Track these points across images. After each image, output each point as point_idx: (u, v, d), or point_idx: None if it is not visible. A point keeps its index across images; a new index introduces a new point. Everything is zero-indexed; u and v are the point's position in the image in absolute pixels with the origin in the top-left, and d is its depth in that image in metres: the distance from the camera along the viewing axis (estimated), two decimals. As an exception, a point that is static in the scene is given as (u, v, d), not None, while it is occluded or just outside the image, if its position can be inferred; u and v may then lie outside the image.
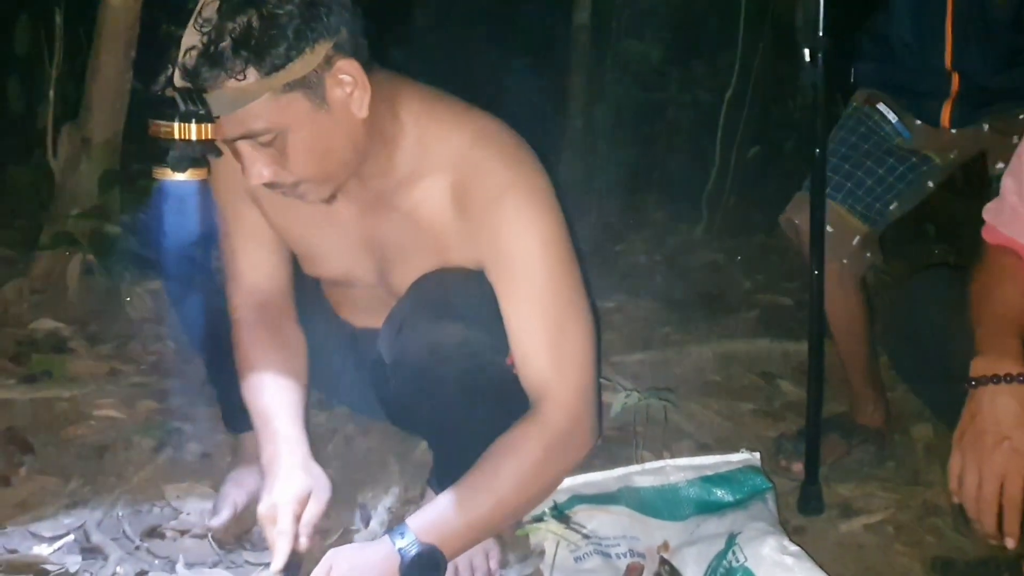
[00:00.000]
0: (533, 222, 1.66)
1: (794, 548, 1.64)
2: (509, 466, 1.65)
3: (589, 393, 1.72)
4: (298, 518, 1.58)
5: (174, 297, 2.06)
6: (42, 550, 1.81)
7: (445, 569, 1.61)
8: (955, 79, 2.09)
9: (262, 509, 1.60)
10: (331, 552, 1.59)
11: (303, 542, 1.58)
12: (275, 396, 1.77)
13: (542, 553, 1.84)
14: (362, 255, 1.80)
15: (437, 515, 1.64)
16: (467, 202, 1.65)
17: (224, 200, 1.83)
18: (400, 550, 1.57)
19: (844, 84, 2.29)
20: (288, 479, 1.62)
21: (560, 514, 1.72)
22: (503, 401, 1.70)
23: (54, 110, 3.05)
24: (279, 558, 1.54)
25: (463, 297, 1.67)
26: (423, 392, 1.70)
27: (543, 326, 1.67)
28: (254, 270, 1.85)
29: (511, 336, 1.67)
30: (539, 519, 1.66)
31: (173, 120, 1.44)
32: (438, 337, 1.65)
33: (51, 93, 3.07)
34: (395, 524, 1.71)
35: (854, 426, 2.32)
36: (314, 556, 1.60)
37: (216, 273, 1.90)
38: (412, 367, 1.68)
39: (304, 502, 1.61)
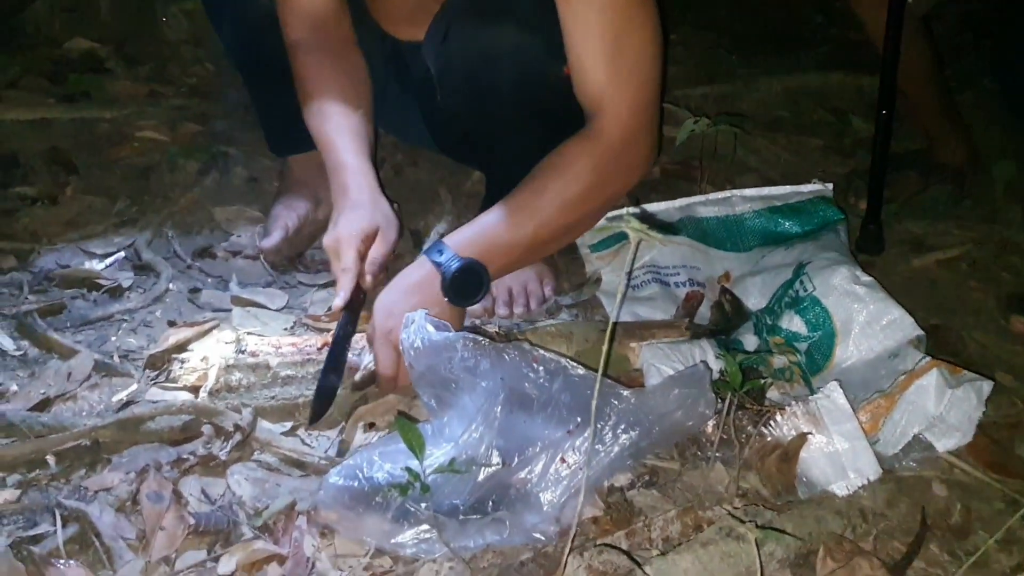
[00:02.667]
0: None
1: (867, 278, 1.57)
2: (556, 186, 1.54)
3: (649, 110, 1.57)
4: (363, 255, 1.51)
5: (214, 13, 1.92)
6: (94, 265, 1.78)
7: (488, 287, 1.53)
8: None
9: (327, 241, 1.52)
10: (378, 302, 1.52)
11: (368, 280, 1.51)
12: (341, 124, 1.65)
13: (598, 281, 1.80)
14: None
15: (477, 232, 1.54)
16: None
17: None
18: (440, 265, 1.49)
19: None
20: (354, 213, 1.54)
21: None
22: (560, 117, 1.57)
23: None
24: (342, 295, 1.48)
25: (515, -4, 1.50)
26: (472, 107, 1.58)
27: (602, 32, 1.49)
28: None
29: (567, 41, 1.51)
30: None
31: None
32: (488, 41, 1.50)
33: None
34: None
35: (932, 164, 2.20)
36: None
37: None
38: (460, 78, 1.55)
39: (370, 239, 1.53)
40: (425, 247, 1.62)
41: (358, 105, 1.69)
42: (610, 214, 1.73)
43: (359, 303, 1.53)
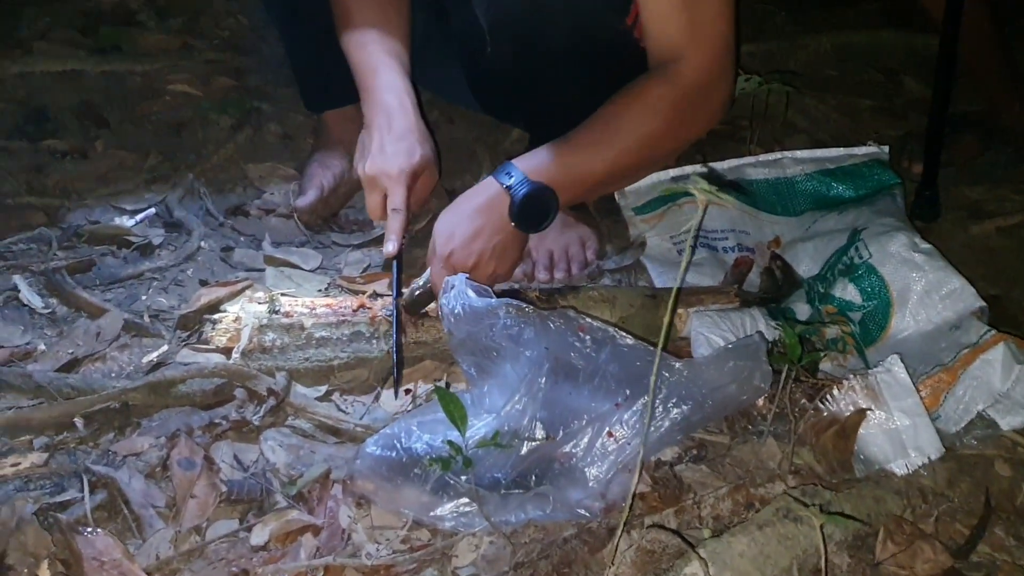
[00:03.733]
0: None
1: (926, 246, 1.49)
2: (635, 119, 1.45)
3: (728, 57, 1.50)
4: (411, 192, 1.43)
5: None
6: (124, 222, 1.74)
7: (555, 217, 1.44)
8: None
9: (370, 170, 1.42)
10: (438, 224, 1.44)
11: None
12: (381, 47, 1.54)
13: (642, 245, 1.74)
14: None
15: (550, 157, 1.44)
16: None
17: None
18: (509, 188, 1.40)
19: None
20: (403, 143, 1.43)
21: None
22: (615, 73, 1.49)
23: None
24: (393, 239, 1.40)
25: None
26: (524, 60, 1.50)
27: None
28: None
29: None
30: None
31: None
32: None
33: None
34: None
35: (992, 127, 2.10)
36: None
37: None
38: (513, 28, 1.48)
39: (417, 177, 1.44)
40: None
41: (397, 33, 1.60)
42: (672, 173, 1.66)
43: (402, 250, 1.46)
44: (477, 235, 1.40)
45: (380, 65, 1.52)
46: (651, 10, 1.45)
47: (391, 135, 1.44)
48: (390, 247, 1.41)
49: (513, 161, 1.44)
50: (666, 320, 0.85)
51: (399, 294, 1.41)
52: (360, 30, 1.57)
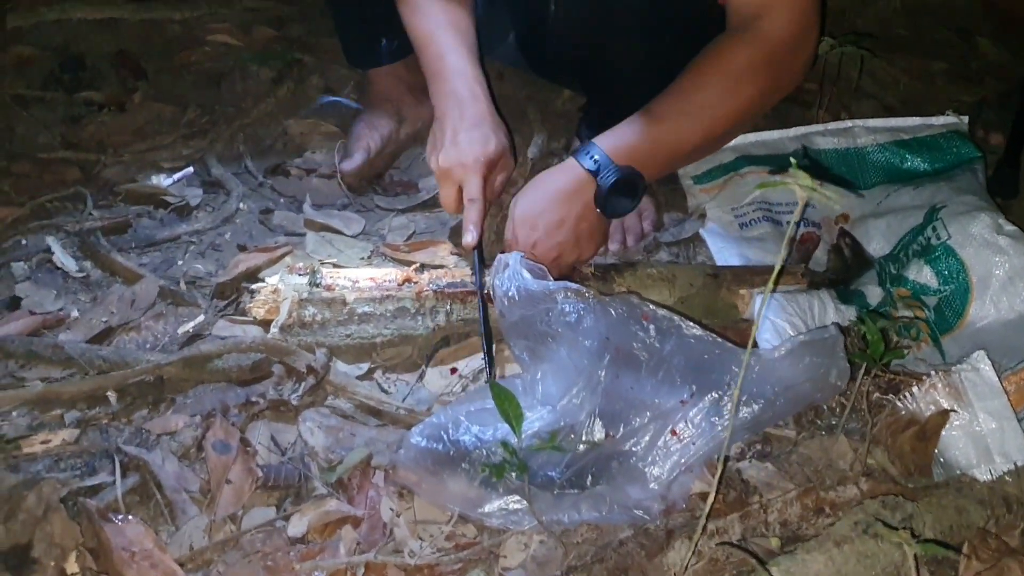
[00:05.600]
0: None
1: (1011, 228, 1.39)
2: (723, 87, 1.36)
3: (815, 8, 1.40)
4: (487, 182, 1.36)
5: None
6: (161, 181, 1.67)
7: (643, 197, 1.38)
8: None
9: (445, 162, 1.36)
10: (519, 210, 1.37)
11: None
12: (442, 18, 1.46)
13: (702, 217, 1.64)
14: None
15: (636, 136, 1.36)
16: None
17: None
18: (597, 174, 1.33)
19: None
20: (477, 132, 1.37)
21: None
22: (694, 31, 1.40)
23: None
24: (472, 231, 1.33)
25: None
26: (595, 19, 1.41)
27: None
28: None
29: None
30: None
31: None
32: None
33: None
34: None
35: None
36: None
37: None
38: None
39: (493, 166, 1.37)
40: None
41: (462, 5, 1.51)
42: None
43: (481, 240, 1.38)
44: (561, 224, 1.33)
45: (446, 47, 1.43)
46: None
47: (463, 124, 1.37)
48: (469, 237, 1.33)
49: (595, 141, 1.36)
50: (750, 342, 0.77)
51: (482, 285, 1.33)
52: None
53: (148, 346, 1.31)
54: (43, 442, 1.13)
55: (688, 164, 1.60)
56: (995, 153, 1.76)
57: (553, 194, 1.35)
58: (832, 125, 1.71)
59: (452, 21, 1.46)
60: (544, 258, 1.31)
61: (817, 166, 1.67)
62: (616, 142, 1.36)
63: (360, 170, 1.70)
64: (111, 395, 1.21)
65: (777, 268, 0.75)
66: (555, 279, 1.21)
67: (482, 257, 1.36)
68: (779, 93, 1.47)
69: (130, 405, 1.21)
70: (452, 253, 1.49)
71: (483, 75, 1.44)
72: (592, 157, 1.34)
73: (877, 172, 1.67)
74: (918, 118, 1.71)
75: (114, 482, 1.08)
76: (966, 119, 1.69)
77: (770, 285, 0.76)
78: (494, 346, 1.30)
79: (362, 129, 1.75)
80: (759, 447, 1.18)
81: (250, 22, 2.16)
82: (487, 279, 1.31)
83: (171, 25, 2.14)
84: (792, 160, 0.73)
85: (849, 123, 1.71)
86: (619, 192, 1.35)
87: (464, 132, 1.36)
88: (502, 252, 1.33)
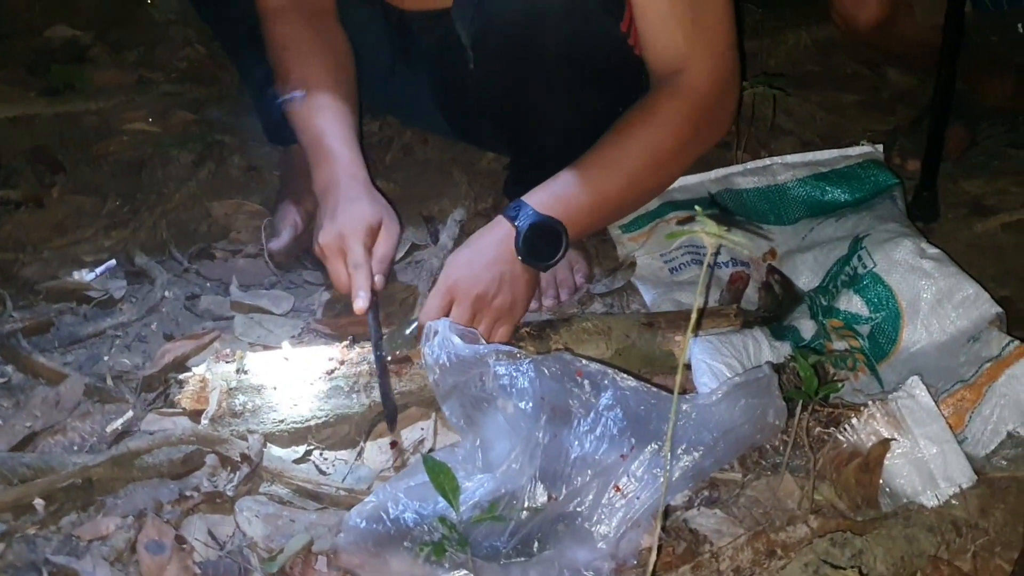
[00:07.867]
0: None
1: (933, 251, 1.41)
2: (647, 139, 1.43)
3: (734, 62, 1.47)
4: (369, 250, 1.38)
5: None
6: (83, 275, 1.63)
7: (567, 248, 1.40)
8: None
9: (325, 239, 1.38)
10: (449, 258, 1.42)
11: (378, 280, 1.37)
12: (323, 107, 1.51)
13: (632, 266, 1.64)
14: None
15: (559, 189, 1.41)
16: None
17: None
18: (515, 220, 1.37)
19: None
20: (353, 206, 1.40)
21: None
22: (614, 86, 1.45)
23: None
24: (361, 295, 1.33)
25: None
26: (514, 72, 1.43)
27: None
28: None
29: (636, 5, 1.40)
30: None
31: None
32: None
33: None
34: (466, 239, 1.49)
35: (978, 108, 2.01)
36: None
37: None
38: (502, 39, 1.41)
39: (374, 233, 1.40)
40: (455, 241, 1.54)
41: (341, 87, 1.55)
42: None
43: (375, 304, 1.38)
44: (486, 266, 1.36)
45: (322, 126, 1.49)
46: (650, 19, 1.40)
47: (342, 202, 1.41)
48: (360, 303, 1.33)
49: (523, 198, 1.40)
50: (676, 389, 0.76)
51: (379, 348, 1.32)
52: (298, 77, 1.53)
53: (75, 448, 1.27)
54: (-35, 560, 1.08)
55: (620, 218, 1.63)
56: (912, 179, 1.79)
57: (481, 243, 1.39)
58: (751, 164, 1.73)
59: (333, 108, 1.51)
60: (464, 295, 1.33)
61: (741, 206, 1.70)
62: (544, 198, 1.39)
63: (288, 248, 1.69)
64: (37, 503, 1.16)
65: (694, 315, 0.74)
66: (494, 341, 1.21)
67: (378, 321, 1.36)
68: (705, 144, 1.52)
69: (57, 511, 1.16)
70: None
71: (361, 158, 1.49)
72: (515, 207, 1.38)
73: (799, 207, 1.69)
74: (835, 150, 1.74)
75: (42, 596, 1.03)
76: (881, 147, 1.73)
77: (690, 329, 0.75)
78: (434, 414, 1.29)
79: (287, 206, 1.74)
80: (707, 493, 1.16)
81: (167, 107, 2.15)
82: (383, 341, 1.34)
83: (87, 116, 2.12)
84: (697, 208, 0.73)
85: (768, 161, 1.73)
86: (537, 241, 1.37)
87: (342, 209, 1.39)
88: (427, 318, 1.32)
